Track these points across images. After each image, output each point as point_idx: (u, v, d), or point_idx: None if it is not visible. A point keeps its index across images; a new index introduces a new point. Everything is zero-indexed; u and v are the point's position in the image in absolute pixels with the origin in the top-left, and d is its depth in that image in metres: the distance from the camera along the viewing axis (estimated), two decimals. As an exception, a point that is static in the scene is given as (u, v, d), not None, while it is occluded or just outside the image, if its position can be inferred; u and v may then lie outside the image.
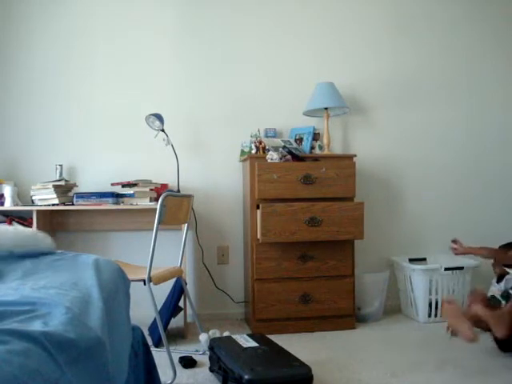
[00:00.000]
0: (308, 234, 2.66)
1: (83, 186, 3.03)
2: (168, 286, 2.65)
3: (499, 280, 2.52)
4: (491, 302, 2.35)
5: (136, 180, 2.84)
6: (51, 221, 2.96)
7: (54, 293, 1.01)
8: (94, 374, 0.87)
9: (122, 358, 1.11)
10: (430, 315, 2.97)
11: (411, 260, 3.17)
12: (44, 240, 1.47)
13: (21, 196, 2.95)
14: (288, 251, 2.76)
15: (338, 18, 3.33)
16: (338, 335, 2.71)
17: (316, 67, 3.28)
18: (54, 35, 3.11)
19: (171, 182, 3.03)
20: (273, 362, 1.95)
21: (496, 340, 2.34)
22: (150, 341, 2.42)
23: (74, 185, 2.94)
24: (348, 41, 3.33)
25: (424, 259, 3.24)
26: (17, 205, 2.83)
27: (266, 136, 3.10)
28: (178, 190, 2.97)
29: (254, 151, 2.97)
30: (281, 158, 2.78)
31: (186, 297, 2.70)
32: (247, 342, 2.14)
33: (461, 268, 2.97)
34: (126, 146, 3.12)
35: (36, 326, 0.83)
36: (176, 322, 2.79)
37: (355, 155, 2.95)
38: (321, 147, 3.08)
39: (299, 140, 3.10)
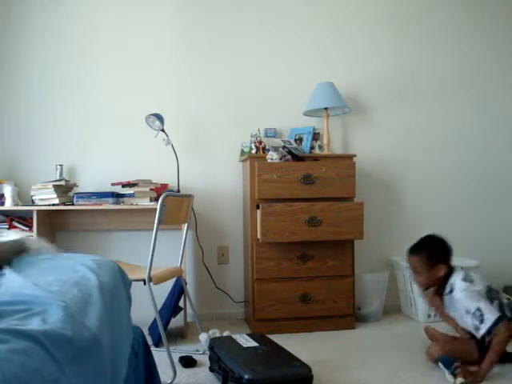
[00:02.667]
0: (308, 234, 2.66)
1: (83, 186, 3.04)
2: (168, 286, 2.65)
3: None
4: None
5: (136, 180, 2.84)
6: (51, 221, 2.96)
7: (56, 290, 1.01)
8: (92, 374, 0.87)
9: (121, 358, 1.11)
10: (429, 315, 2.97)
11: (411, 260, 3.17)
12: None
13: (21, 196, 2.95)
14: (288, 251, 2.76)
15: (338, 18, 3.33)
16: (337, 335, 2.71)
17: (316, 67, 3.28)
18: (54, 35, 3.11)
19: (171, 182, 3.03)
20: (273, 361, 1.95)
21: None
22: (150, 341, 2.42)
23: (74, 185, 2.95)
24: (348, 41, 3.33)
25: (424, 259, 3.24)
26: (17, 205, 2.83)
27: (266, 136, 3.10)
28: (178, 190, 2.98)
29: (254, 151, 2.97)
30: (281, 158, 2.78)
31: (186, 297, 2.70)
32: (247, 341, 2.15)
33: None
34: (126, 146, 3.13)
35: (34, 325, 0.83)
36: (176, 321, 2.79)
37: (355, 155, 2.95)
38: (321, 147, 3.08)
39: (299, 140, 3.10)
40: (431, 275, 2.21)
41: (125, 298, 1.33)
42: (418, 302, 2.98)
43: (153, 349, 1.80)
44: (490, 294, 2.14)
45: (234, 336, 2.24)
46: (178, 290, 2.66)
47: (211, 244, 3.18)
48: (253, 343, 2.12)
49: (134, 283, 1.50)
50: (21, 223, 2.83)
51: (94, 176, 3.08)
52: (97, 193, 2.82)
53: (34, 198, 2.81)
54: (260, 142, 2.99)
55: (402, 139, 3.37)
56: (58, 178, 2.92)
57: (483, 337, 2.05)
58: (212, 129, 3.20)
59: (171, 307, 2.63)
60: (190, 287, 2.97)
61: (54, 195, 2.75)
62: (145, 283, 2.12)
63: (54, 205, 2.75)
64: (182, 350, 2.48)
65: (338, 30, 3.33)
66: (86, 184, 3.06)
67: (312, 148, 3.08)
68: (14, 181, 2.94)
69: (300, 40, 3.29)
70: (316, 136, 3.10)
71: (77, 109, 3.12)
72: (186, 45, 3.20)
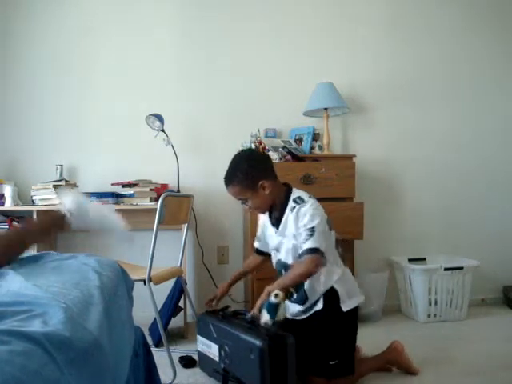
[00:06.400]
0: (308, 234, 2.65)
1: (83, 186, 3.03)
2: (168, 286, 2.65)
3: None
4: None
5: (136, 180, 2.84)
6: (51, 221, 2.95)
7: (56, 291, 1.01)
8: (92, 377, 0.87)
9: (123, 361, 1.11)
10: (429, 315, 2.98)
11: (411, 260, 3.17)
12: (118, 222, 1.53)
13: (21, 196, 2.95)
14: (288, 251, 2.75)
15: (338, 19, 3.33)
16: (337, 335, 2.70)
17: (316, 67, 3.28)
18: (55, 35, 3.11)
19: (171, 182, 3.03)
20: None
21: None
22: (150, 341, 2.42)
23: (75, 185, 2.95)
24: (348, 41, 3.34)
25: (424, 259, 3.25)
26: (17, 205, 2.83)
27: (266, 136, 3.10)
28: (178, 190, 2.98)
29: (253, 151, 2.97)
30: (281, 159, 2.78)
31: (186, 297, 2.70)
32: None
33: (460, 268, 2.97)
34: (126, 146, 3.13)
35: (36, 326, 0.83)
36: (176, 322, 2.79)
37: (355, 155, 2.95)
38: (320, 147, 3.08)
39: (299, 140, 3.10)
40: (260, 196, 1.97)
41: (126, 299, 1.32)
42: (418, 301, 2.99)
43: (153, 349, 1.80)
44: (330, 225, 1.98)
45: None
46: (178, 290, 2.66)
47: (211, 244, 3.18)
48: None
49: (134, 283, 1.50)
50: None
51: (94, 176, 3.08)
52: (97, 193, 2.82)
53: (34, 198, 2.81)
54: (260, 143, 2.99)
55: (401, 139, 3.37)
56: (58, 178, 2.92)
57: (299, 257, 1.88)
58: (212, 129, 3.20)
59: (171, 307, 2.63)
60: (189, 287, 2.96)
61: (54, 195, 2.75)
62: (145, 283, 2.12)
63: (54, 205, 2.75)
64: (181, 350, 2.48)
65: (338, 31, 3.33)
66: (86, 184, 3.06)
67: (312, 148, 3.08)
68: (13, 181, 2.95)
69: (300, 40, 3.29)
70: (316, 136, 3.10)
71: (77, 109, 3.12)
72: (186, 44, 3.20)
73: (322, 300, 1.94)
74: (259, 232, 2.23)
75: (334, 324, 1.93)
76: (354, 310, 1.96)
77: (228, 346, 1.90)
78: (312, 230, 1.87)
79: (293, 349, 1.79)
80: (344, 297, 1.94)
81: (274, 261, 2.10)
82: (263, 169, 2.00)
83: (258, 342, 1.72)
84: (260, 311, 1.77)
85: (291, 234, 1.95)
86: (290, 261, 1.98)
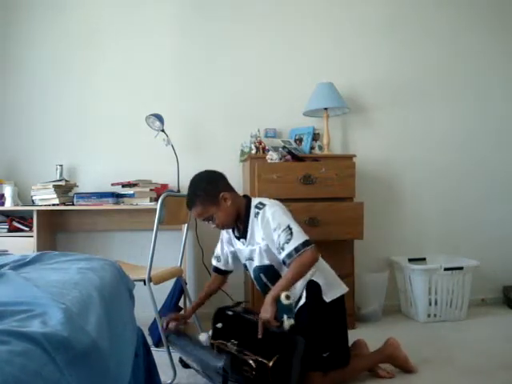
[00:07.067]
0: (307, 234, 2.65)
1: (83, 186, 3.04)
2: (168, 286, 2.65)
3: None
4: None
5: (136, 180, 2.84)
6: (51, 221, 2.96)
7: (56, 291, 1.01)
8: (91, 378, 0.87)
9: (124, 362, 1.11)
10: (429, 315, 2.98)
11: (411, 260, 3.17)
12: None
13: (21, 196, 2.95)
14: (288, 251, 2.75)
15: (338, 19, 3.33)
16: (337, 335, 2.70)
17: (316, 67, 3.28)
18: (55, 37, 3.12)
19: (171, 182, 3.03)
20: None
21: None
22: (149, 341, 2.41)
23: (75, 185, 2.95)
24: (348, 41, 3.33)
25: (424, 259, 3.24)
26: (17, 205, 2.84)
27: (266, 136, 3.10)
28: (178, 190, 2.98)
29: (253, 151, 2.97)
30: (280, 159, 2.78)
31: (186, 297, 2.70)
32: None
33: (460, 268, 2.97)
34: (126, 146, 3.13)
35: (35, 327, 0.83)
36: (176, 321, 2.78)
37: (355, 155, 2.95)
38: (320, 147, 3.08)
39: (299, 140, 3.10)
40: (223, 209, 1.96)
41: (127, 301, 1.32)
42: (418, 301, 2.98)
43: (153, 349, 1.80)
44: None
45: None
46: (178, 290, 2.66)
47: (211, 244, 3.16)
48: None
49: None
50: (21, 223, 2.83)
51: (94, 176, 3.08)
52: (97, 193, 2.82)
53: (34, 198, 2.81)
54: (260, 143, 2.99)
55: (401, 139, 3.37)
56: (58, 178, 2.92)
57: (284, 261, 1.86)
58: (212, 129, 3.20)
59: (171, 307, 2.63)
60: (189, 287, 2.96)
61: (54, 195, 2.75)
62: (145, 283, 2.12)
63: (54, 205, 2.76)
64: (182, 350, 2.47)
65: (338, 31, 3.33)
66: (86, 184, 3.06)
67: (312, 148, 3.08)
68: (13, 181, 2.95)
69: (300, 40, 3.29)
70: (316, 136, 3.10)
71: (77, 109, 3.12)
72: (186, 45, 3.20)
73: (304, 295, 1.96)
74: (218, 251, 2.23)
75: (320, 316, 1.94)
76: (339, 301, 1.99)
77: (198, 367, 1.89)
78: (289, 228, 1.88)
79: (300, 354, 1.75)
80: (325, 288, 1.96)
81: (250, 270, 2.10)
82: (221, 183, 2.03)
83: (219, 364, 1.68)
84: (277, 320, 1.77)
85: (260, 238, 1.96)
86: (265, 262, 1.99)
